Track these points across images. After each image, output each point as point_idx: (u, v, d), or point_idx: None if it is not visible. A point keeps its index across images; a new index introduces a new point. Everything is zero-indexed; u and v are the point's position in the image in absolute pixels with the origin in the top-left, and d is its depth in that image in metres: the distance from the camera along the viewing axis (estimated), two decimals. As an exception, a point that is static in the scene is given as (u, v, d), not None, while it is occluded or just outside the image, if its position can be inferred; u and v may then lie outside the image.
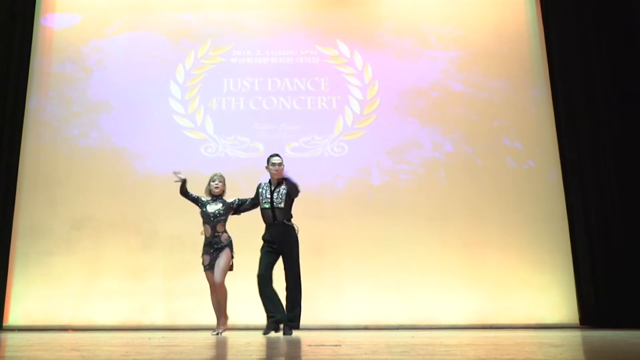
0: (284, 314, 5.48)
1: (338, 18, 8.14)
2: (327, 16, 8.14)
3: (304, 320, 5.53)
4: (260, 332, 5.54)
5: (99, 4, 8.14)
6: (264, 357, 3.14)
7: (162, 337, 5.00)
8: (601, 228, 7.25)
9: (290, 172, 5.73)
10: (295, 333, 5.47)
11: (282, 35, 8.10)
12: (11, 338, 5.25)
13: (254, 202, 5.77)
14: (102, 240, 7.36)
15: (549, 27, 7.93)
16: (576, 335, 5.32)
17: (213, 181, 5.81)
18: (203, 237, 5.72)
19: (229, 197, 5.82)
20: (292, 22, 8.16)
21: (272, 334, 5.42)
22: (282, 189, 5.63)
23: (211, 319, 5.81)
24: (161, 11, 8.15)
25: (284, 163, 5.72)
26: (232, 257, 5.68)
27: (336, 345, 3.76)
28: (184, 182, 5.73)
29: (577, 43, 7.71)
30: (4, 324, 7.08)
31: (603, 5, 7.72)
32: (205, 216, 5.71)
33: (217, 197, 5.78)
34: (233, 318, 5.93)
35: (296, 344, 4.08)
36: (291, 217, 5.65)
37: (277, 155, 5.77)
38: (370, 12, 8.18)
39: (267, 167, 5.75)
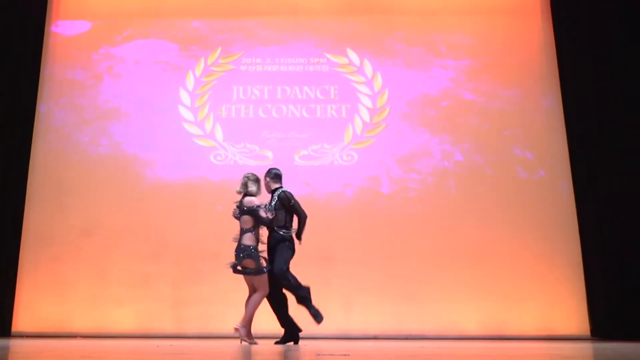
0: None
1: (348, 26, 8.13)
2: (337, 24, 8.14)
3: (313, 329, 5.50)
4: (263, 341, 5.53)
5: (109, 11, 8.17)
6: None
7: (171, 345, 4.99)
8: (613, 238, 7.18)
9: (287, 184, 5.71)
10: (304, 342, 5.46)
11: (292, 43, 8.10)
12: (19, 345, 5.25)
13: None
14: (112, 248, 7.36)
15: (560, 35, 7.88)
16: (587, 347, 5.28)
17: None
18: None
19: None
20: (302, 30, 8.16)
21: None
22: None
23: (219, 327, 5.75)
24: (171, 18, 8.17)
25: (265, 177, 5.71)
26: None
27: (345, 355, 3.74)
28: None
29: (589, 52, 7.66)
30: (13, 331, 7.09)
31: (615, 14, 7.68)
32: None
33: None
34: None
35: (305, 354, 4.06)
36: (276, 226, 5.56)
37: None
38: (380, 21, 8.16)
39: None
